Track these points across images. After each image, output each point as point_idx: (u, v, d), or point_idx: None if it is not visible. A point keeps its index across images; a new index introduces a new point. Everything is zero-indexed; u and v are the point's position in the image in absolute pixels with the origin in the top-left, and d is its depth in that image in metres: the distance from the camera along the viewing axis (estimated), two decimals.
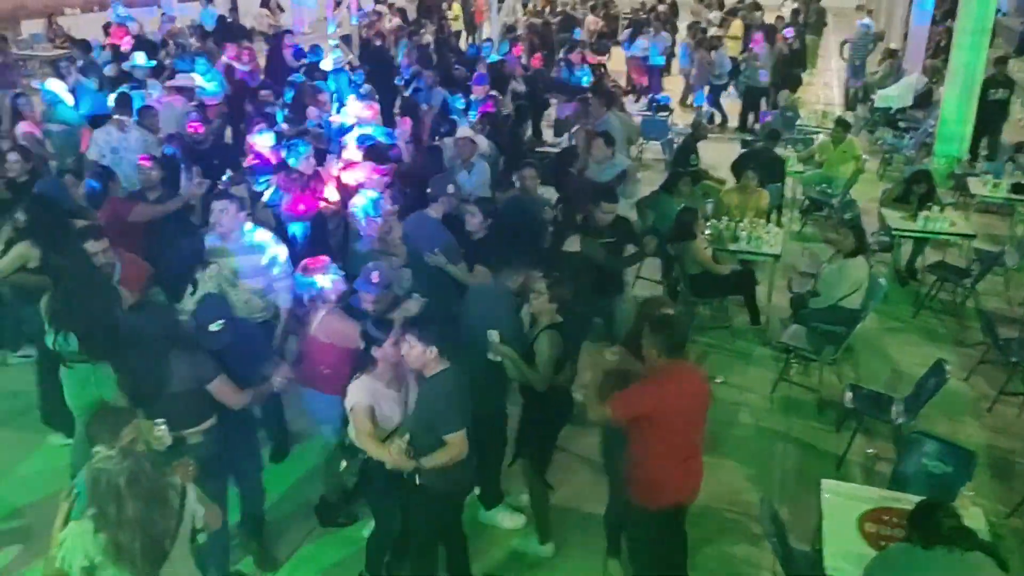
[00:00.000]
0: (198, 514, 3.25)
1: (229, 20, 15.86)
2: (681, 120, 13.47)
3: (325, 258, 4.99)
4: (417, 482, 3.92)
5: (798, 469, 5.75)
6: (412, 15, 18.89)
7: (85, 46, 11.52)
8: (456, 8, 19.14)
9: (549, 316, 4.68)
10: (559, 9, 21.33)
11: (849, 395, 5.85)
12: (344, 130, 8.42)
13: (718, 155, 11.24)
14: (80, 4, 16.30)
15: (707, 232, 7.56)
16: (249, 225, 5.52)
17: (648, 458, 4.04)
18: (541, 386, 4.58)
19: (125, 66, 10.73)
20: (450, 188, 6.13)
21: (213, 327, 4.18)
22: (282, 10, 18.60)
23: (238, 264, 5.32)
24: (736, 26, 16.99)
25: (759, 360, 7.14)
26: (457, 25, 19.25)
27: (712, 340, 7.41)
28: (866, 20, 16.76)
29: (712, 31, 16.84)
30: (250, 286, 5.34)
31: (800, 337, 6.63)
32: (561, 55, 14.27)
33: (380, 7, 18.30)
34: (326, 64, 11.46)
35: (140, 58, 10.56)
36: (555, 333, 4.61)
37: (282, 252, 5.51)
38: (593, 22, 18.87)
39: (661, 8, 19.92)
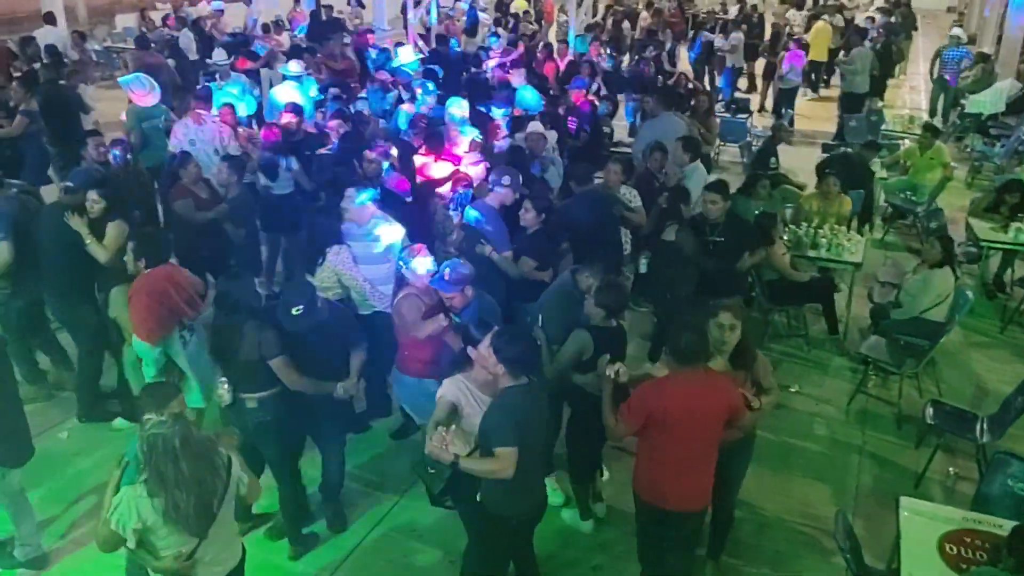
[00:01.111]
0: (243, 481, 3.43)
1: (324, 18, 16.17)
2: (760, 123, 13.24)
3: (422, 246, 5.26)
4: (477, 498, 3.87)
5: (874, 485, 5.59)
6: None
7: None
8: (520, 3, 19.02)
9: (600, 320, 4.67)
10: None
11: (930, 411, 5.66)
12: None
13: (798, 159, 11.01)
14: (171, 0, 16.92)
15: (786, 238, 7.41)
16: (372, 214, 5.69)
17: (643, 453, 4.09)
18: (549, 374, 4.60)
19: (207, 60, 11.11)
20: (505, 179, 6.14)
21: (293, 311, 4.34)
22: (363, 6, 18.84)
23: (357, 251, 5.58)
24: (819, 29, 16.52)
25: (836, 371, 6.96)
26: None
27: (788, 348, 7.26)
28: (957, 30, 15.34)
29: (796, 33, 16.48)
30: (363, 274, 5.56)
31: (880, 349, 6.44)
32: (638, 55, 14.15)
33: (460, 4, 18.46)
34: (406, 57, 11.55)
35: (219, 54, 10.85)
36: (584, 333, 4.60)
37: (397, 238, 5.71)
38: (643, 19, 18.54)
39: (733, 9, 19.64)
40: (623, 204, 6.81)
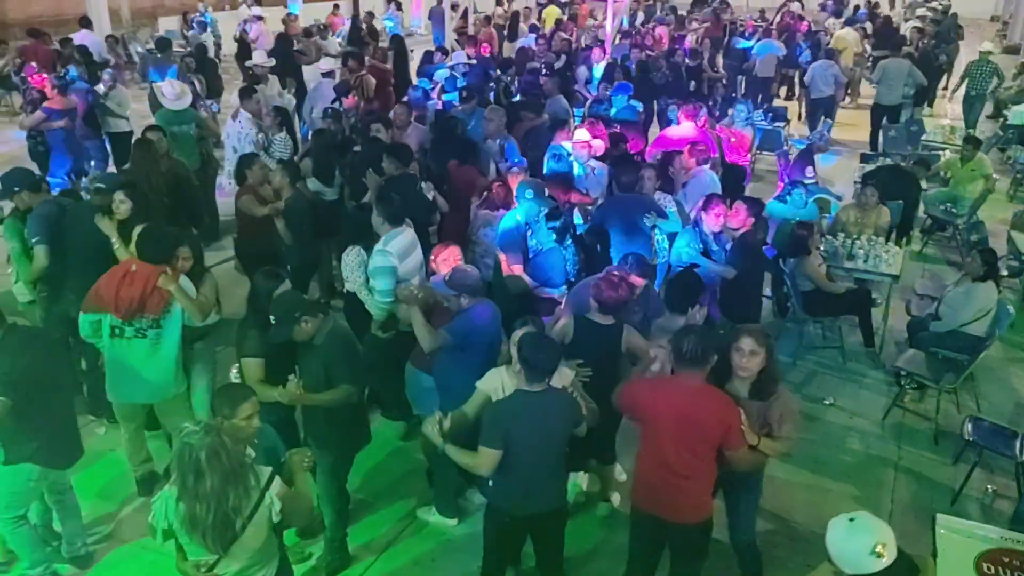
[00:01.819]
0: (275, 506, 3.32)
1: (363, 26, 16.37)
2: (797, 132, 13.12)
3: (455, 248, 5.37)
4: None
5: (910, 501, 5.50)
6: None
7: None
8: (552, 11, 18.98)
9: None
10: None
11: (969, 426, 5.56)
12: None
13: (835, 169, 10.91)
14: (212, 3, 17.14)
15: (822, 248, 7.33)
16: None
17: (639, 455, 4.10)
18: None
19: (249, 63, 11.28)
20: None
21: (271, 318, 4.29)
22: (400, 9, 19.01)
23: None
24: (839, 37, 16.23)
25: (871, 384, 6.86)
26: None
27: (822, 360, 7.16)
28: (987, 44, 14.47)
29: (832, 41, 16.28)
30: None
31: (918, 363, 6.35)
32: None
33: (498, 10, 18.57)
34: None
35: (259, 56, 11.03)
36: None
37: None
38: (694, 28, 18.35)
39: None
40: (658, 210, 6.76)
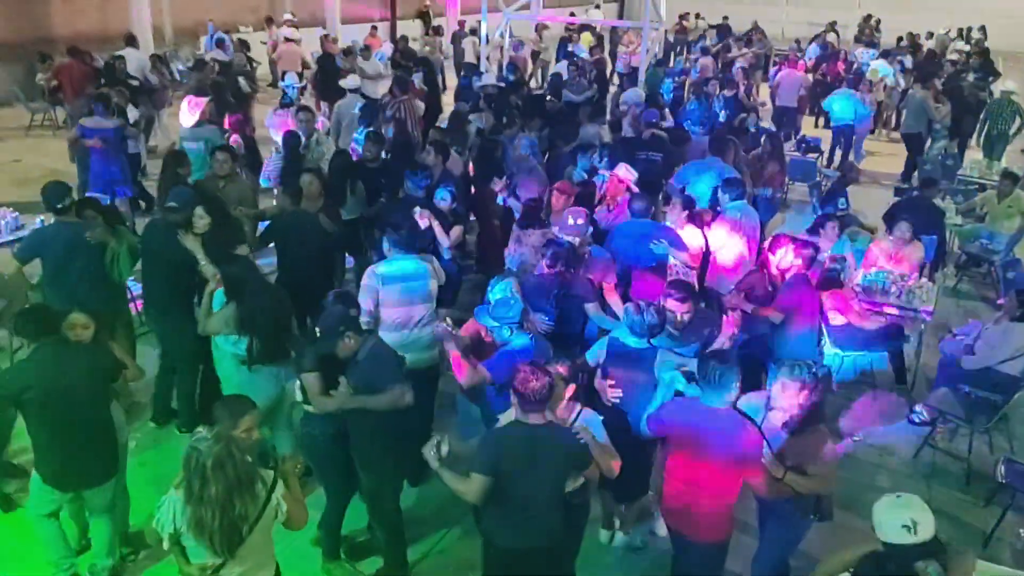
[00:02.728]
0: (281, 509, 3.44)
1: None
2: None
3: None
4: None
5: None
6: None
7: None
8: (587, 37, 19.07)
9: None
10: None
11: (1002, 468, 5.48)
12: None
13: (869, 201, 10.82)
14: (253, 23, 17.45)
15: (855, 282, 7.26)
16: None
17: (665, 470, 4.23)
18: None
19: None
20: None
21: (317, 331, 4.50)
22: (440, 35, 19.22)
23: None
24: (871, 71, 16.15)
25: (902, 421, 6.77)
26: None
27: (853, 395, 7.08)
28: (1010, 84, 13.78)
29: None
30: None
31: (950, 401, 6.26)
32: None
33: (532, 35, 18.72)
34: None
35: (292, 77, 11.19)
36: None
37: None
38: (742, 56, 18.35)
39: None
40: (668, 236, 6.63)
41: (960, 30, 22.69)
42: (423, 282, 5.41)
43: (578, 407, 4.30)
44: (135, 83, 12.50)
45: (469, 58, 17.12)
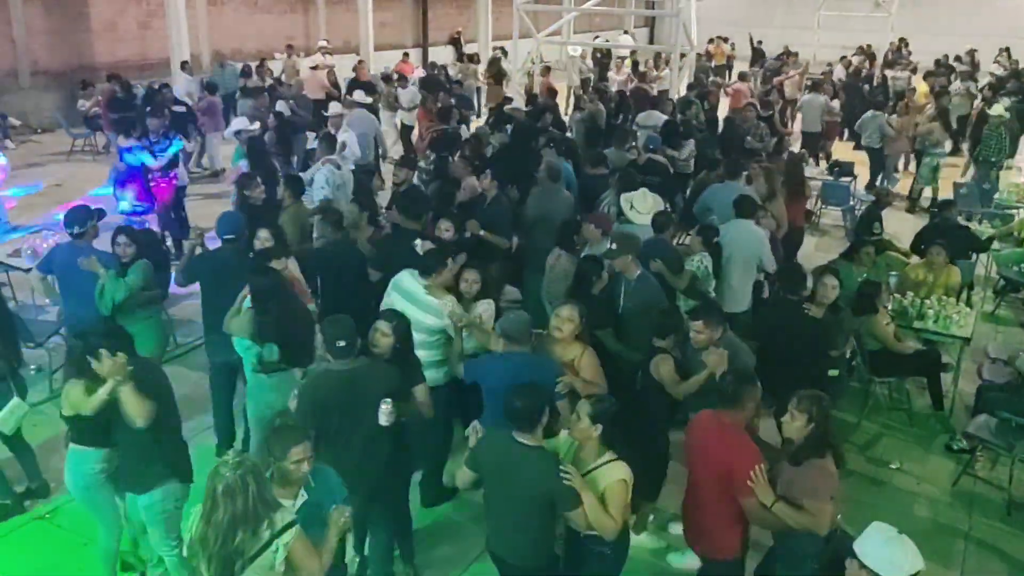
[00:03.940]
0: (279, 556, 3.31)
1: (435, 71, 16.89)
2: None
3: None
4: None
5: (981, 574, 5.29)
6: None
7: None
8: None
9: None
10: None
11: None
12: None
13: (902, 226, 10.72)
14: (286, 51, 17.83)
15: (890, 307, 7.18)
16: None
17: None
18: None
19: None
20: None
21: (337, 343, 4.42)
22: (473, 61, 19.44)
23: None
24: (922, 92, 16.05)
25: (940, 449, 6.64)
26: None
27: (889, 423, 6.97)
28: (997, 108, 13.22)
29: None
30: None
31: (989, 429, 6.14)
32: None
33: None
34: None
35: (334, 107, 11.32)
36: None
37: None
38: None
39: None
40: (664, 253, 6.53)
41: (1001, 50, 22.55)
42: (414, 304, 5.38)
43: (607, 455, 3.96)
44: (180, 109, 12.72)
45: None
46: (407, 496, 4.94)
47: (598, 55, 21.18)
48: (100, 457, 4.39)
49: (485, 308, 5.42)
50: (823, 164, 13.91)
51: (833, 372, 5.93)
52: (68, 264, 6.03)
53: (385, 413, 4.23)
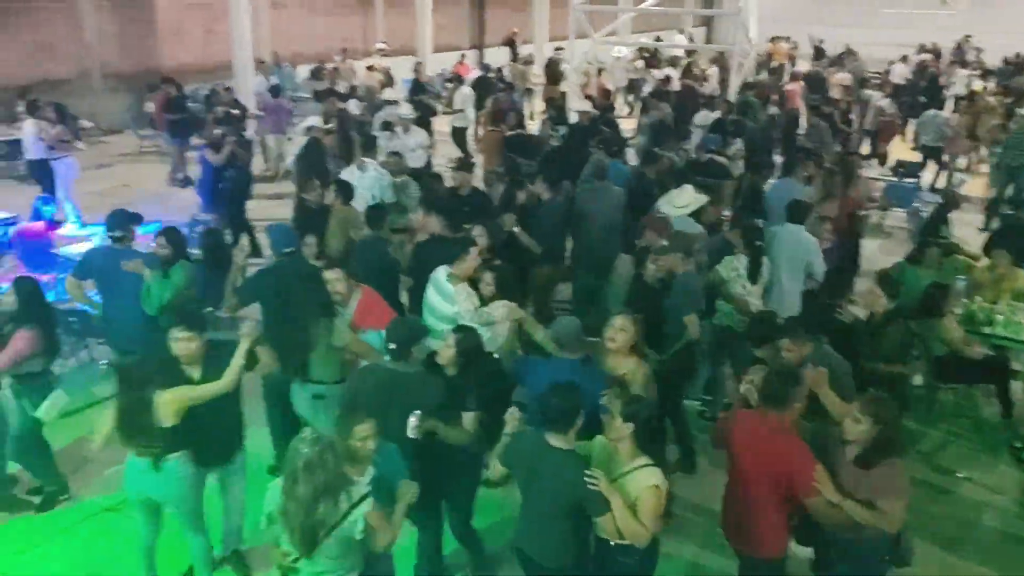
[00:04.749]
0: (358, 525, 3.53)
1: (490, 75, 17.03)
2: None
3: None
4: None
5: None
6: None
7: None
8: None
9: None
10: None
11: None
12: None
13: (971, 229, 10.43)
14: (341, 53, 18.13)
15: (957, 312, 6.99)
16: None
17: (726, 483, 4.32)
18: None
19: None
20: None
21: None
22: (532, 63, 19.50)
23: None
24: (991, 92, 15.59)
25: (1010, 458, 6.44)
26: None
27: (955, 430, 6.79)
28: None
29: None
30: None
31: None
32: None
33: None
34: None
35: (405, 108, 11.46)
36: None
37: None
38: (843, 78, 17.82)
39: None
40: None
41: None
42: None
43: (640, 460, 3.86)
44: (236, 112, 12.99)
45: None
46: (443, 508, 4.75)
47: (645, 55, 21.02)
48: (190, 455, 4.46)
49: (499, 310, 5.38)
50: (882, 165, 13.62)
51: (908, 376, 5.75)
52: (109, 267, 6.06)
53: (411, 426, 4.19)
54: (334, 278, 5.30)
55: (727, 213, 8.54)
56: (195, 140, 10.32)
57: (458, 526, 4.79)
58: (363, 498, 3.55)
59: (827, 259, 7.10)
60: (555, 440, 3.77)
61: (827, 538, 4.17)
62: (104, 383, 6.84)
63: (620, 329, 4.74)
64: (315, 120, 10.15)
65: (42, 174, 11.03)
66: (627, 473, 3.76)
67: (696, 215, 7.41)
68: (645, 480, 3.71)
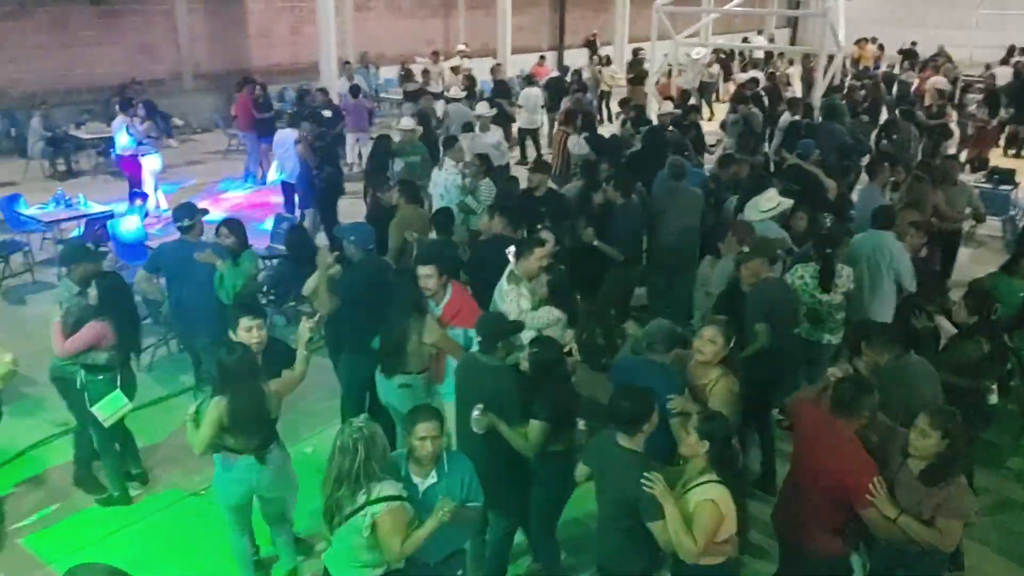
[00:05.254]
0: (364, 523, 3.59)
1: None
2: None
3: None
4: None
5: None
6: None
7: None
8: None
9: None
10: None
11: None
12: None
13: None
14: (431, 57, 18.36)
15: None
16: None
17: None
18: None
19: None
20: None
21: None
22: (609, 63, 19.40)
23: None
24: None
25: None
26: None
27: None
28: None
29: None
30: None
31: None
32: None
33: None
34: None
35: (482, 107, 11.55)
36: None
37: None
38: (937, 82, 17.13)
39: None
40: None
41: None
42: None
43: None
44: (329, 113, 13.23)
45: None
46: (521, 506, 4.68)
47: (722, 56, 20.70)
48: (281, 442, 4.61)
49: (546, 315, 5.36)
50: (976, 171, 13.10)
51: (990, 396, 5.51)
52: (180, 259, 6.20)
53: (473, 418, 4.23)
54: (426, 274, 5.27)
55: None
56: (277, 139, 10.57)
57: (537, 537, 4.75)
58: (384, 499, 3.53)
59: (917, 267, 6.86)
60: (624, 441, 3.81)
61: (882, 546, 4.06)
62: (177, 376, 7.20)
63: (709, 340, 4.56)
64: (408, 122, 10.26)
65: (131, 168, 11.47)
66: (692, 487, 3.69)
67: (781, 220, 7.26)
68: (703, 493, 3.62)
